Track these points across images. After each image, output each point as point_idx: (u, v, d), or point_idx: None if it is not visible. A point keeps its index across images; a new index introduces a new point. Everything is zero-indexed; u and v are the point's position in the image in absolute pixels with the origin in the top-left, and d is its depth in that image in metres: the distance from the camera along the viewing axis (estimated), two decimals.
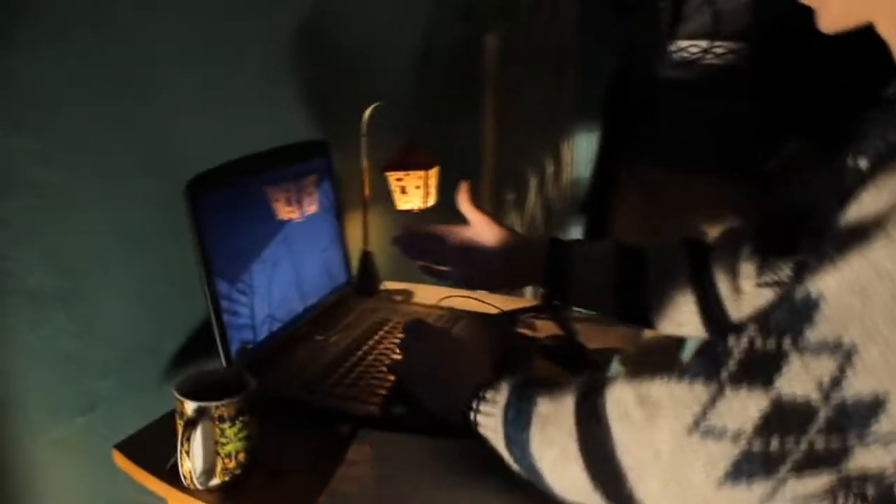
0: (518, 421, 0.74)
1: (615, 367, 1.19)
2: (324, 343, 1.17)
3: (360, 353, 1.13)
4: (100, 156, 0.93)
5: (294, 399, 1.00)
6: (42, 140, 0.86)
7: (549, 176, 2.11)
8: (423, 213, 1.41)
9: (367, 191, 1.39)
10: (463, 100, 1.92)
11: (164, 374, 1.06)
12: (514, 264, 1.04)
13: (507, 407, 0.76)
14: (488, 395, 0.80)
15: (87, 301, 0.94)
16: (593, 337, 1.25)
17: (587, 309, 1.08)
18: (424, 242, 1.09)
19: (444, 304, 1.37)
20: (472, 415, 0.80)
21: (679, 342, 1.43)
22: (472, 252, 1.05)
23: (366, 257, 1.43)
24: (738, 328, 0.58)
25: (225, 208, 1.03)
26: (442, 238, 1.08)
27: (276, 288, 1.14)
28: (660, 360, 1.33)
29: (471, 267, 1.06)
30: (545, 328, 1.28)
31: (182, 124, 1.05)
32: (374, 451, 0.90)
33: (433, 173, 1.39)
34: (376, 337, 1.19)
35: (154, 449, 0.88)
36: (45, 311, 0.88)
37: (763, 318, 0.56)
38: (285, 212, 1.18)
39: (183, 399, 0.83)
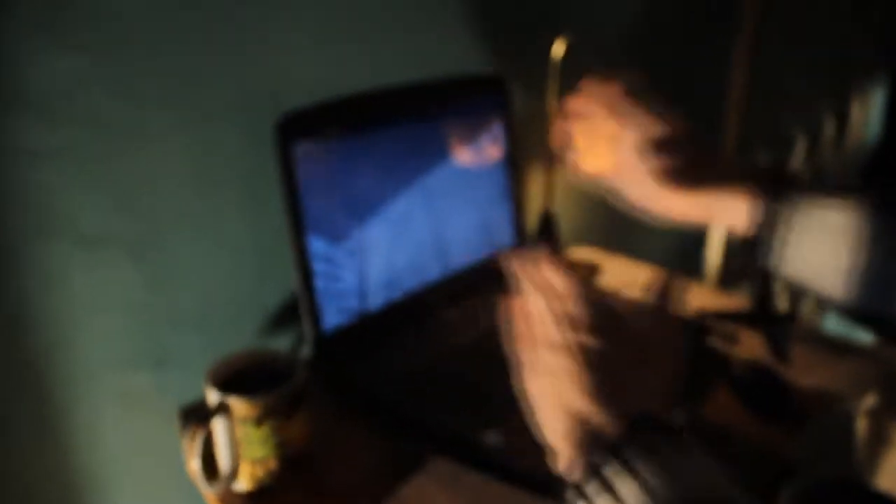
0: None
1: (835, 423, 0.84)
2: (455, 322, 0.97)
3: (497, 341, 0.91)
4: (179, 83, 0.80)
5: (378, 399, 0.82)
6: (109, 63, 0.74)
7: (828, 139, 1.63)
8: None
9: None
10: (701, 31, 1.54)
11: (257, 332, 0.94)
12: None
13: None
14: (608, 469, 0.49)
15: (158, 248, 0.82)
16: (814, 369, 0.91)
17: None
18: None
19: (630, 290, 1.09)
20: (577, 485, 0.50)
21: None
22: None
23: (546, 219, 1.18)
24: None
25: (333, 153, 0.85)
26: None
27: (402, 249, 0.95)
28: None
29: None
30: (749, 346, 0.96)
31: (286, 44, 0.88)
32: (436, 487, 0.70)
33: None
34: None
35: None
36: (104, 255, 0.78)
37: None
38: (432, 157, 0.98)
39: (208, 385, 0.69)
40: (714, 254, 1.53)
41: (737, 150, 1.45)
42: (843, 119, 1.72)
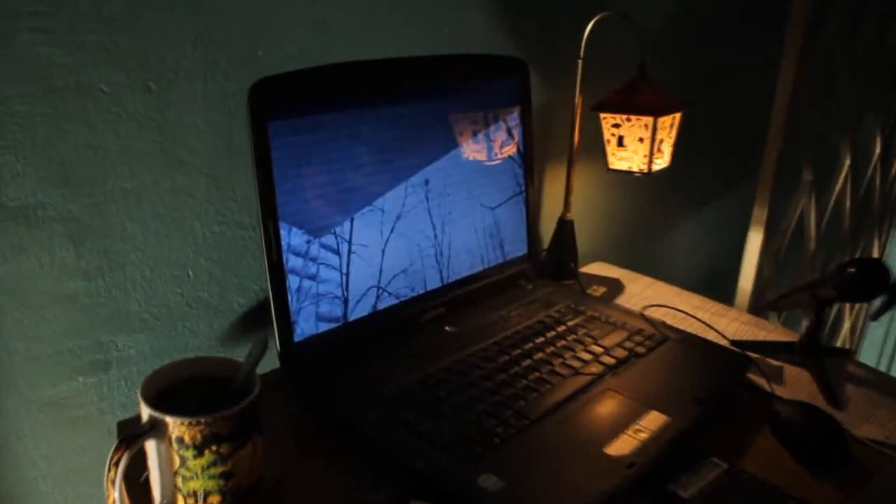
0: None
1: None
2: (452, 338, 0.83)
3: (500, 363, 0.78)
4: (134, 39, 0.67)
5: (353, 428, 0.68)
6: (45, 3, 0.61)
7: (875, 157, 1.49)
8: (645, 181, 0.99)
9: (575, 136, 0.99)
10: (749, 27, 1.41)
11: (218, 337, 0.80)
12: None
13: None
14: None
15: (103, 231, 0.69)
16: (874, 413, 0.77)
17: None
18: None
19: (652, 312, 0.95)
20: None
21: None
22: None
23: (562, 227, 1.05)
24: None
25: (317, 130, 0.72)
26: None
27: (396, 250, 0.82)
28: None
29: None
30: (796, 383, 0.82)
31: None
32: None
33: (668, 123, 0.96)
34: (537, 342, 0.83)
35: None
36: (35, 235, 0.65)
37: None
38: (434, 145, 0.85)
39: (141, 400, 0.56)
40: (748, 276, 1.40)
41: (778, 161, 1.31)
42: (892, 134, 1.59)
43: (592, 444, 0.65)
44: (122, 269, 0.71)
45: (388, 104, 0.79)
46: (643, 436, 0.66)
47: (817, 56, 1.37)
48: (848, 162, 1.50)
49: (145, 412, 0.55)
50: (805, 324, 0.84)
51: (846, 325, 1.85)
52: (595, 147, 1.03)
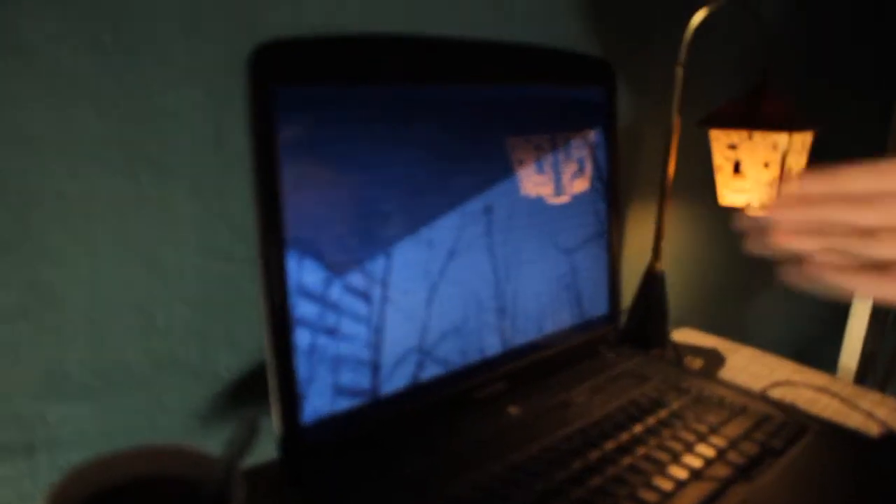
0: None
1: None
2: (517, 423, 0.61)
3: (587, 459, 0.55)
4: None
5: None
6: None
7: None
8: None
9: (671, 165, 0.77)
10: (870, 28, 1.19)
11: (194, 413, 0.58)
12: None
13: None
14: None
15: (33, 253, 0.48)
16: None
17: None
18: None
19: (778, 393, 0.72)
20: None
21: None
22: None
23: (652, 281, 0.82)
24: None
25: (342, 119, 0.51)
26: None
27: (446, 301, 0.60)
28: None
29: None
30: None
31: None
32: None
33: (801, 142, 0.74)
34: (636, 431, 0.60)
35: None
36: None
37: None
38: (499, 162, 0.64)
39: None
40: (854, 349, 1.16)
41: None
42: None
43: None
44: (56, 310, 0.49)
45: (443, 100, 0.58)
46: None
47: None
48: None
49: None
50: None
51: None
52: (693, 178, 0.81)
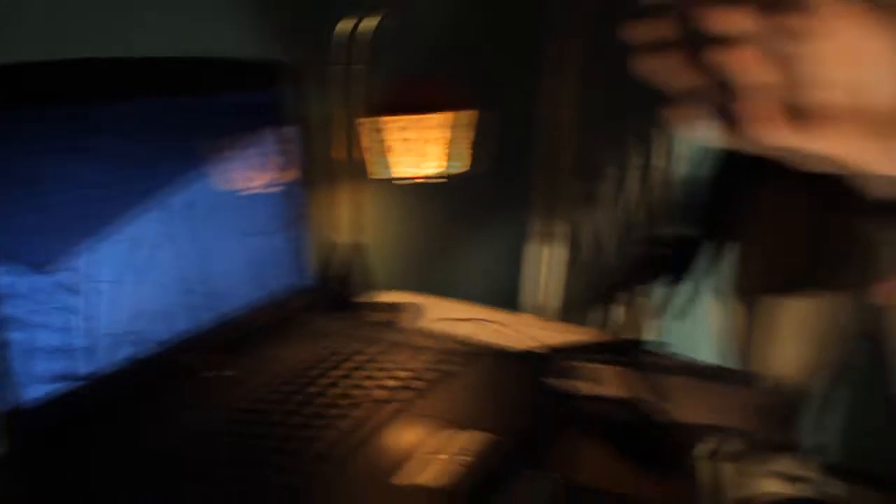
0: None
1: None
2: (228, 383, 0.70)
3: (292, 402, 0.65)
4: None
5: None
6: None
7: (633, 172, 1.54)
8: (439, 188, 0.91)
9: (351, 150, 0.89)
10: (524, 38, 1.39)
11: None
12: None
13: None
14: None
15: None
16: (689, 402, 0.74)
17: None
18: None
19: (465, 331, 0.87)
20: None
21: None
22: None
23: (353, 252, 0.94)
24: None
25: (24, 132, 0.57)
26: None
27: (157, 287, 0.67)
28: None
29: None
30: (618, 380, 0.77)
31: None
32: None
33: (464, 120, 0.88)
34: (339, 373, 0.71)
35: None
36: None
37: None
38: (192, 163, 0.72)
39: None
40: (540, 283, 1.37)
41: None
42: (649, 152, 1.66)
43: (407, 476, 0.55)
44: None
45: (126, 114, 0.65)
46: (465, 459, 0.57)
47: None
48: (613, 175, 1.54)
49: None
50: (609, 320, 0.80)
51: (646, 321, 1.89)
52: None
